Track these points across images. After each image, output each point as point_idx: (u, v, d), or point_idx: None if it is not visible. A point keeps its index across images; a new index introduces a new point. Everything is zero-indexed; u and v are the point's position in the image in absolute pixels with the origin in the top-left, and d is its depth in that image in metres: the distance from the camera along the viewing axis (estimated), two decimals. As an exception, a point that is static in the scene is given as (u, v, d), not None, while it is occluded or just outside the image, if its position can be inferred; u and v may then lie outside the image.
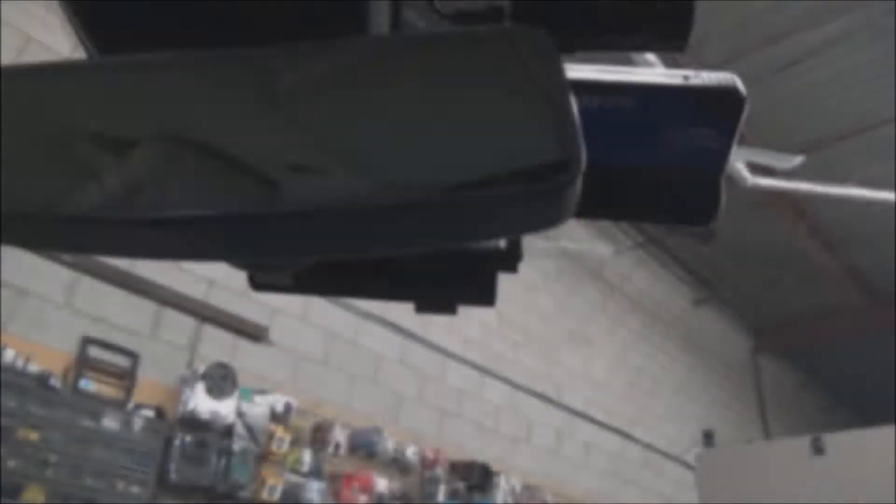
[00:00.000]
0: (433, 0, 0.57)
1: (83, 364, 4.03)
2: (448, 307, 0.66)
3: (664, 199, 0.60)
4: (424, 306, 0.68)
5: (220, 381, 4.48)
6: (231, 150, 0.39)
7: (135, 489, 3.92)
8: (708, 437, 9.78)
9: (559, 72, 0.38)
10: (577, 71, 0.54)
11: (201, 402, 4.35)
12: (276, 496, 4.53)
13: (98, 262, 4.21)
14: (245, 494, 4.39)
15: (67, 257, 4.01)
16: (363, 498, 5.07)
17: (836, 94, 7.23)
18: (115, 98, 0.44)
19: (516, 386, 7.10)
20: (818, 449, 8.59)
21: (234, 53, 0.43)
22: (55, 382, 3.84)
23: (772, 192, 8.07)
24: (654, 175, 0.57)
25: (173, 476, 4.09)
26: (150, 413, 4.16)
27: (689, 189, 0.58)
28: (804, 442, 8.84)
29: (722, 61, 6.23)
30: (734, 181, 7.50)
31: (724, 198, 0.57)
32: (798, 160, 6.58)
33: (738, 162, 7.19)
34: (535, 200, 0.36)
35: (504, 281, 0.67)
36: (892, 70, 6.62)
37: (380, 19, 0.52)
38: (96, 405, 3.96)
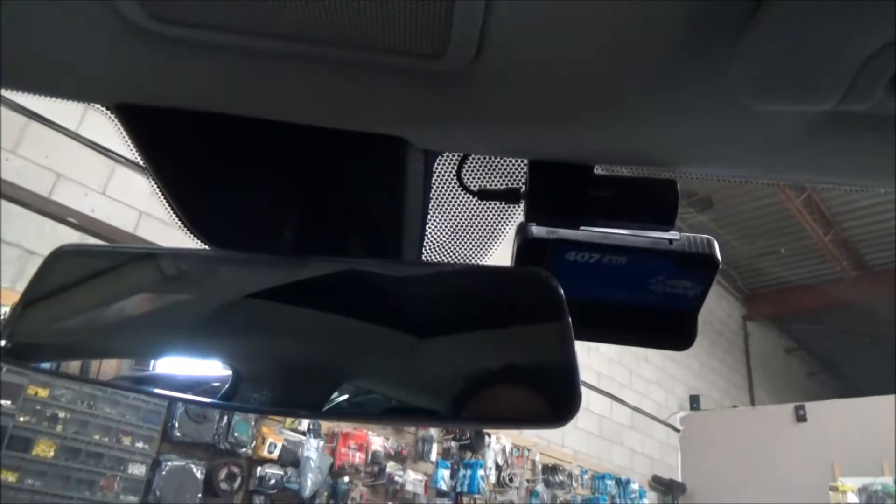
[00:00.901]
0: (461, 175, 0.65)
1: (89, 324, 4.14)
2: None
3: (647, 329, 0.71)
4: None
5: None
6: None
7: (140, 444, 4.08)
8: (694, 402, 10.06)
9: (565, 318, 0.48)
10: (586, 233, 0.63)
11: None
12: (276, 453, 4.71)
13: (103, 223, 4.29)
14: (246, 451, 4.56)
15: (74, 220, 4.08)
16: (359, 455, 5.26)
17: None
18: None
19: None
20: (801, 416, 8.85)
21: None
22: (63, 341, 3.95)
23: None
24: (641, 312, 0.68)
25: (177, 433, 4.25)
26: (154, 372, 4.29)
27: (668, 324, 0.69)
28: (787, 409, 9.10)
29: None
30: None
31: (698, 331, 0.68)
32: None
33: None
34: (546, 425, 0.49)
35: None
36: None
37: (415, 184, 0.61)
38: (102, 364, 4.08)
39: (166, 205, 0.66)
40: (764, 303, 12.09)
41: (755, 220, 9.80)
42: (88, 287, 0.54)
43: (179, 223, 0.67)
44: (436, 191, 0.70)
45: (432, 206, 0.72)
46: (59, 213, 4.03)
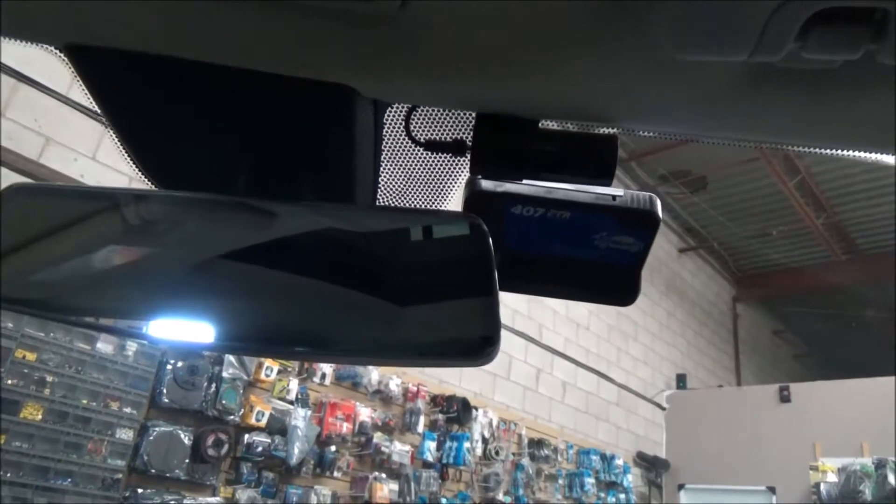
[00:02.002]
0: (409, 126, 0.66)
1: (78, 289, 4.14)
2: None
3: (592, 285, 0.72)
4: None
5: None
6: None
7: (128, 410, 4.11)
8: (681, 381, 10.18)
9: (490, 263, 0.51)
10: (532, 187, 0.64)
11: (193, 330, 4.50)
12: (263, 421, 4.75)
13: (92, 189, 4.27)
14: (234, 418, 4.60)
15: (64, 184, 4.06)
16: (346, 425, 5.32)
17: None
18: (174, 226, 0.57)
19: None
20: (784, 397, 8.97)
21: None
22: (51, 306, 3.96)
23: (765, 147, 8.11)
24: (586, 267, 0.69)
25: (165, 399, 4.28)
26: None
27: (612, 279, 0.70)
28: (772, 389, 9.23)
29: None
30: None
31: (641, 287, 0.69)
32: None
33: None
34: (472, 362, 0.51)
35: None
36: None
37: (365, 134, 0.62)
38: (91, 329, 4.10)
39: (119, 147, 0.68)
40: (754, 285, 12.18)
41: (749, 201, 9.83)
42: (52, 232, 0.56)
43: (133, 166, 0.69)
44: (388, 143, 0.72)
45: (385, 157, 0.73)
46: (48, 178, 4.01)
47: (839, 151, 0.65)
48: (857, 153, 0.64)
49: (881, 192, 9.05)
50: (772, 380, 10.45)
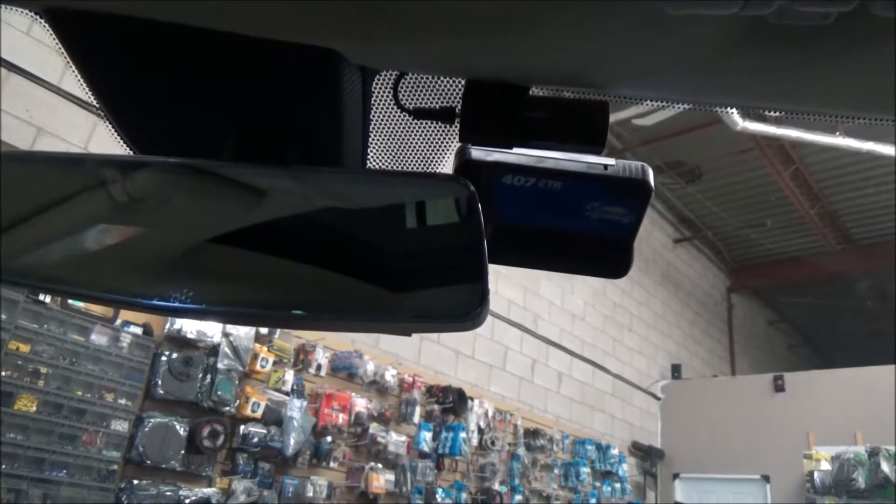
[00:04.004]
0: (398, 94, 0.65)
1: (71, 281, 4.12)
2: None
3: (583, 256, 0.71)
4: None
5: (206, 301, 4.60)
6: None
7: (123, 401, 4.10)
8: (676, 371, 10.22)
9: (479, 225, 0.50)
10: (523, 156, 0.63)
11: (188, 321, 4.48)
12: (259, 412, 4.75)
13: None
14: (229, 409, 4.60)
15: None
16: (342, 416, 5.32)
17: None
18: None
19: (495, 315, 7.32)
20: (779, 386, 9.02)
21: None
22: (44, 297, 3.94)
23: (760, 137, 8.13)
24: (578, 239, 0.68)
25: (160, 391, 4.27)
26: (137, 330, 4.30)
27: (605, 251, 0.69)
28: (766, 379, 9.28)
29: None
30: (724, 124, 7.55)
31: (633, 259, 0.68)
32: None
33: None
34: (462, 325, 0.51)
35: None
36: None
37: (353, 102, 0.61)
38: (85, 321, 4.08)
39: (103, 116, 0.67)
40: (748, 275, 12.22)
41: (743, 192, 9.85)
42: (45, 201, 0.55)
43: (118, 136, 0.68)
44: (377, 111, 0.71)
45: (374, 126, 0.73)
46: (39, 168, 3.98)
47: (837, 117, 0.64)
48: (854, 117, 0.63)
49: (875, 181, 9.07)
50: (766, 369, 10.50)
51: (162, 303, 0.52)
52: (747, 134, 7.75)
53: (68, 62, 0.62)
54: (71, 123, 4.21)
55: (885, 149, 7.58)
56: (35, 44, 3.99)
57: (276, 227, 0.54)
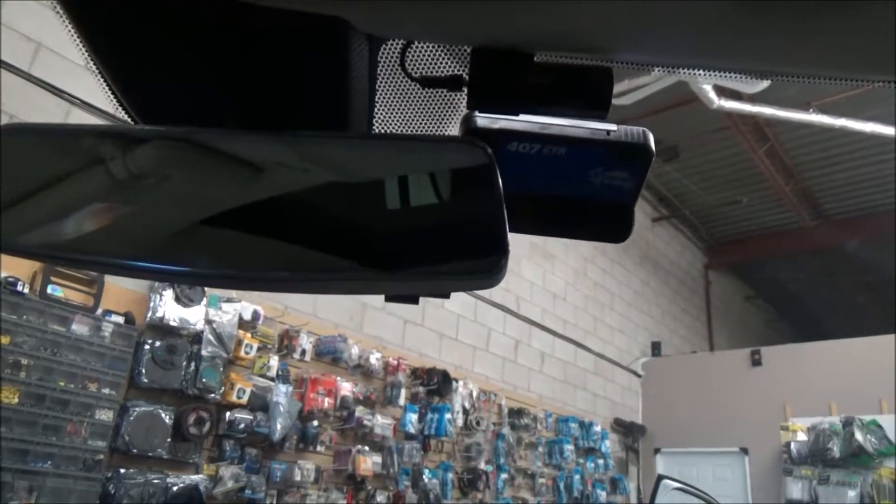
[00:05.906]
0: (405, 61, 0.65)
1: (50, 270, 4.06)
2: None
3: (586, 221, 0.72)
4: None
5: (188, 288, 4.57)
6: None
7: (107, 391, 4.07)
8: (656, 348, 10.37)
9: (496, 181, 0.50)
10: (525, 122, 0.64)
11: (170, 309, 4.45)
12: (245, 398, 4.74)
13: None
14: (214, 396, 4.59)
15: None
16: (328, 400, 5.33)
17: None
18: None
19: (476, 297, 7.36)
20: (756, 360, 9.20)
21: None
22: (23, 288, 3.88)
23: (735, 115, 8.21)
24: (581, 204, 0.70)
25: (144, 379, 4.25)
26: (119, 319, 4.26)
27: (607, 216, 0.71)
28: (744, 353, 9.45)
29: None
30: (700, 102, 7.61)
31: (635, 222, 0.70)
32: (764, 84, 6.69)
33: (706, 84, 7.27)
34: (484, 281, 0.51)
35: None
36: None
37: (360, 71, 0.61)
38: (65, 310, 4.03)
39: (103, 84, 0.66)
40: (726, 252, 12.39)
41: (719, 169, 9.95)
42: (49, 173, 0.55)
43: (117, 104, 0.67)
44: (383, 80, 0.72)
45: (381, 95, 0.73)
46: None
47: (837, 79, 0.65)
48: (856, 79, 0.64)
49: (848, 157, 9.23)
50: (744, 344, 10.69)
51: (164, 266, 0.52)
52: (723, 112, 7.82)
53: (69, 28, 0.61)
54: (42, 110, 4.12)
55: (857, 125, 7.71)
56: (5, 30, 3.90)
57: (284, 193, 0.55)
